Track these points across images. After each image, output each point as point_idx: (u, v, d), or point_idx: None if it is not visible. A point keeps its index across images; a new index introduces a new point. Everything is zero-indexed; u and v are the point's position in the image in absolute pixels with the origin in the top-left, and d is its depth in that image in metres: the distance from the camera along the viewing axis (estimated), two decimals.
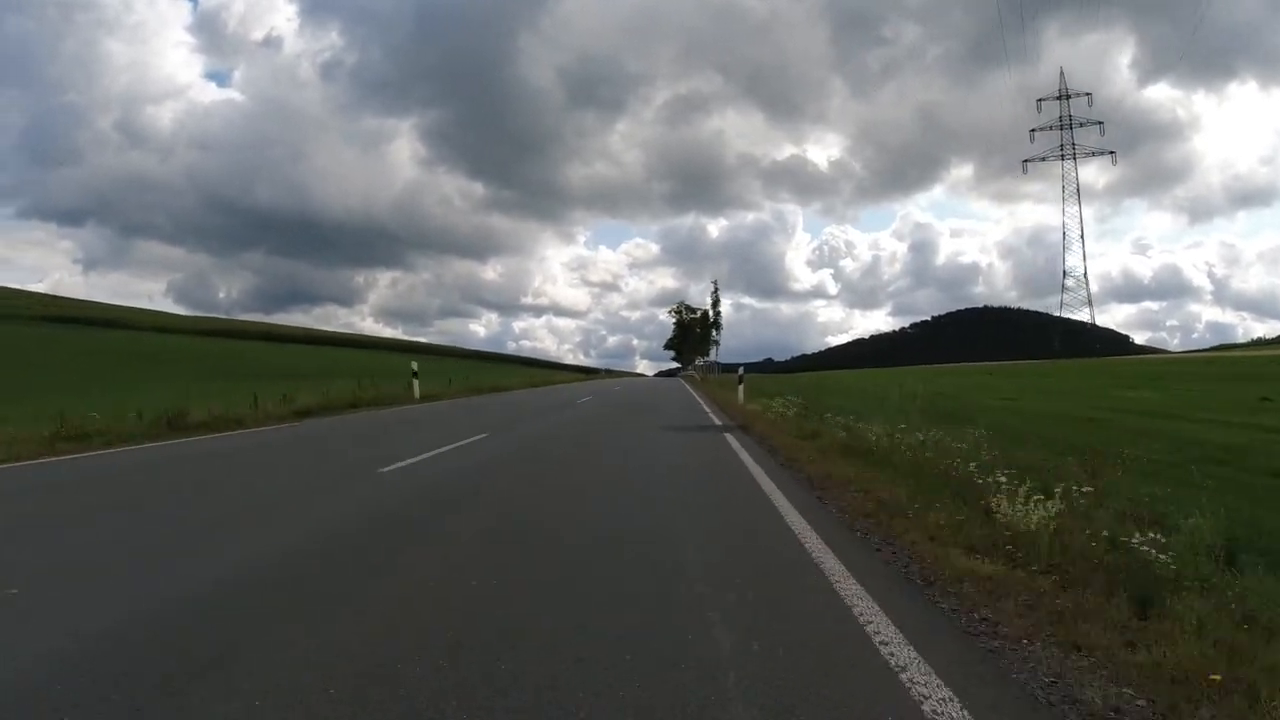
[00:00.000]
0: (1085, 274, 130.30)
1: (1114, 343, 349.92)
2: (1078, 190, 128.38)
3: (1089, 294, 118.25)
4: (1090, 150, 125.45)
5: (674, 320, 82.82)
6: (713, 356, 69.44)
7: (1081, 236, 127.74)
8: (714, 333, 62.64)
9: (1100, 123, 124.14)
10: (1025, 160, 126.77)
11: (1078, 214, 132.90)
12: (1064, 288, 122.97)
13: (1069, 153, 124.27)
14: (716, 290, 64.34)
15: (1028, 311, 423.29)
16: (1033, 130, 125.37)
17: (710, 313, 63.04)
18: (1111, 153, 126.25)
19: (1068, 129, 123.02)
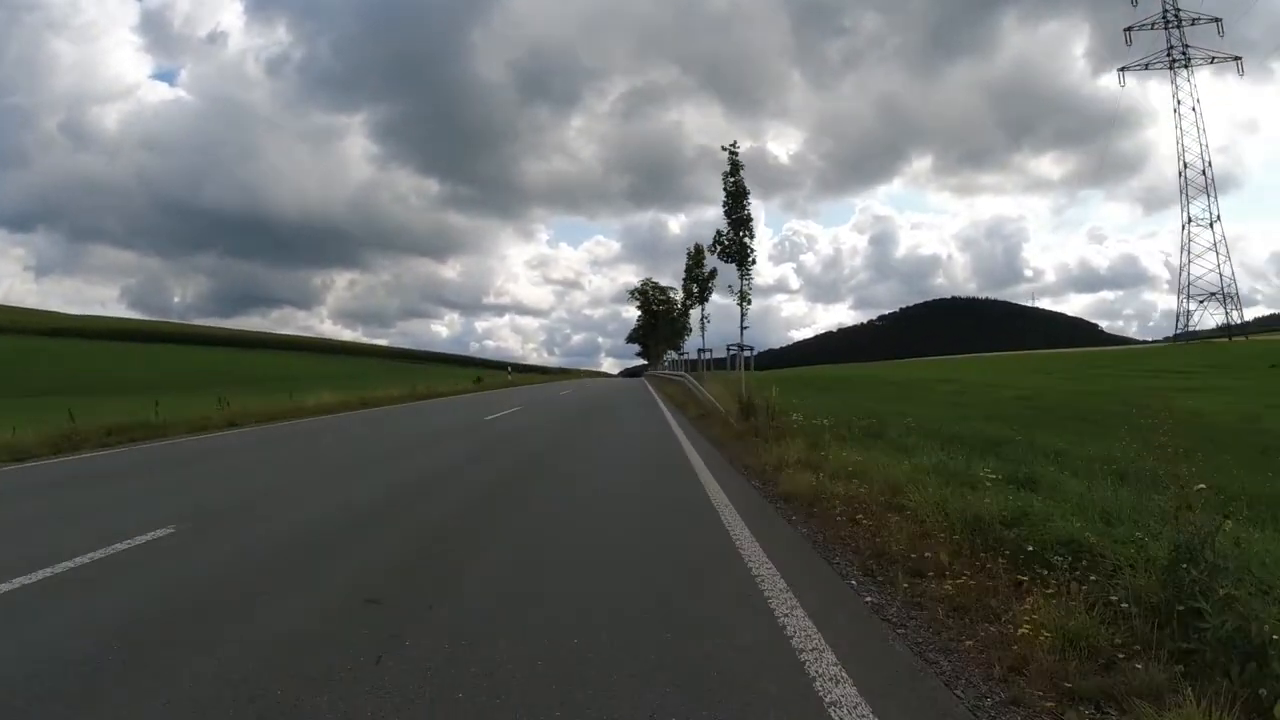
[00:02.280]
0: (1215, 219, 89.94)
1: (1084, 330, 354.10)
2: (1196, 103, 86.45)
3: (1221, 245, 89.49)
4: (1207, 55, 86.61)
5: (638, 305, 71.61)
6: (693, 346, 61.38)
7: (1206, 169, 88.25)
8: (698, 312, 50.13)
9: (1219, 19, 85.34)
10: (1122, 68, 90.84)
11: (1198, 129, 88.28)
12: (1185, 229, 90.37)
13: (1179, 58, 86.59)
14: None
15: (995, 301, 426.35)
16: (1128, 29, 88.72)
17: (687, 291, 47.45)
18: (1237, 58, 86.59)
19: (1174, 26, 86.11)
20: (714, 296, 43.34)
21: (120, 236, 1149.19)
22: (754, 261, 17.56)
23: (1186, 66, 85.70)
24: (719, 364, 58.09)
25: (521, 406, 21.22)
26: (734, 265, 17.67)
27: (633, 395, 29.47)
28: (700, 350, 30.35)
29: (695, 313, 42.93)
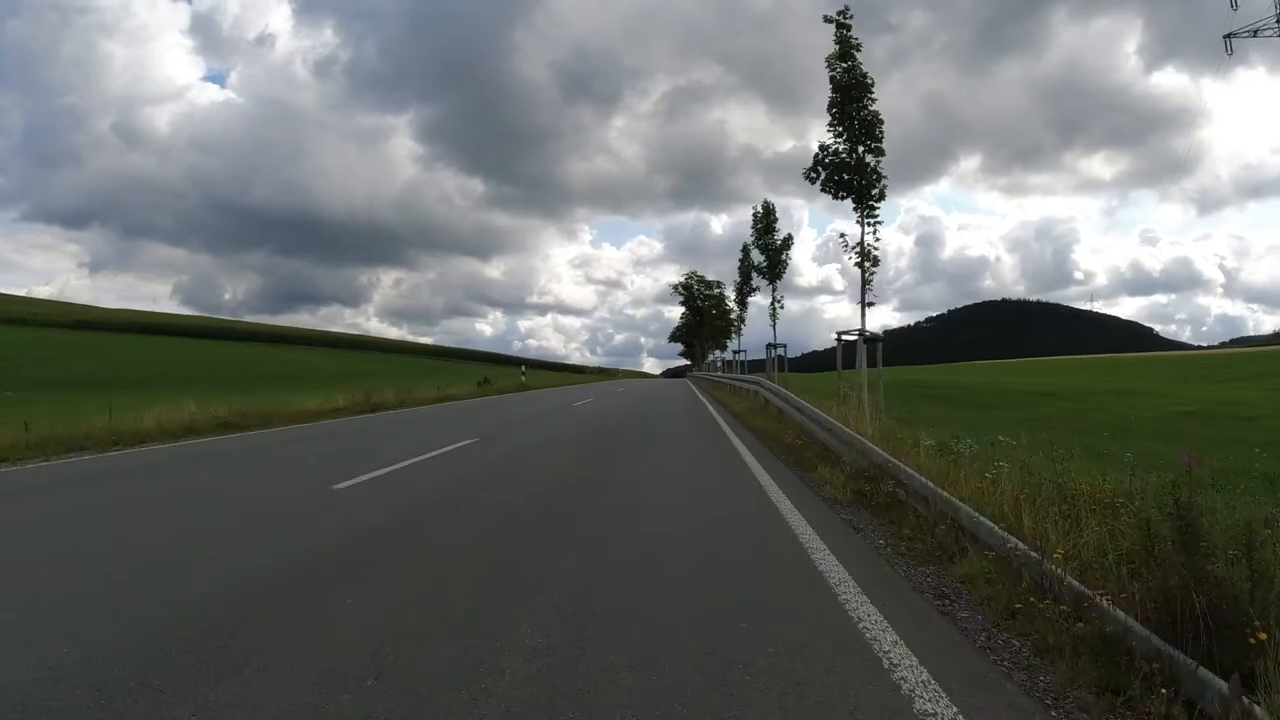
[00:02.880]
0: None
1: (1138, 334, 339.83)
2: None
3: None
4: None
5: (681, 300, 63.43)
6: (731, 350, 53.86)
7: None
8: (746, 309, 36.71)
9: None
10: (1228, 35, 72.29)
11: None
12: None
13: None
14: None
15: (1043, 304, 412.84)
16: (1228, 35, 76.96)
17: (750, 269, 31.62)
18: None
19: None
20: (753, 297, 36.26)
21: (172, 234, 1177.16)
22: (882, 194, 11.88)
23: None
24: (756, 366, 51.27)
25: (477, 438, 12.42)
26: (848, 199, 11.93)
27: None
28: (770, 346, 24.42)
29: (757, 301, 35.82)
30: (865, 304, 11.93)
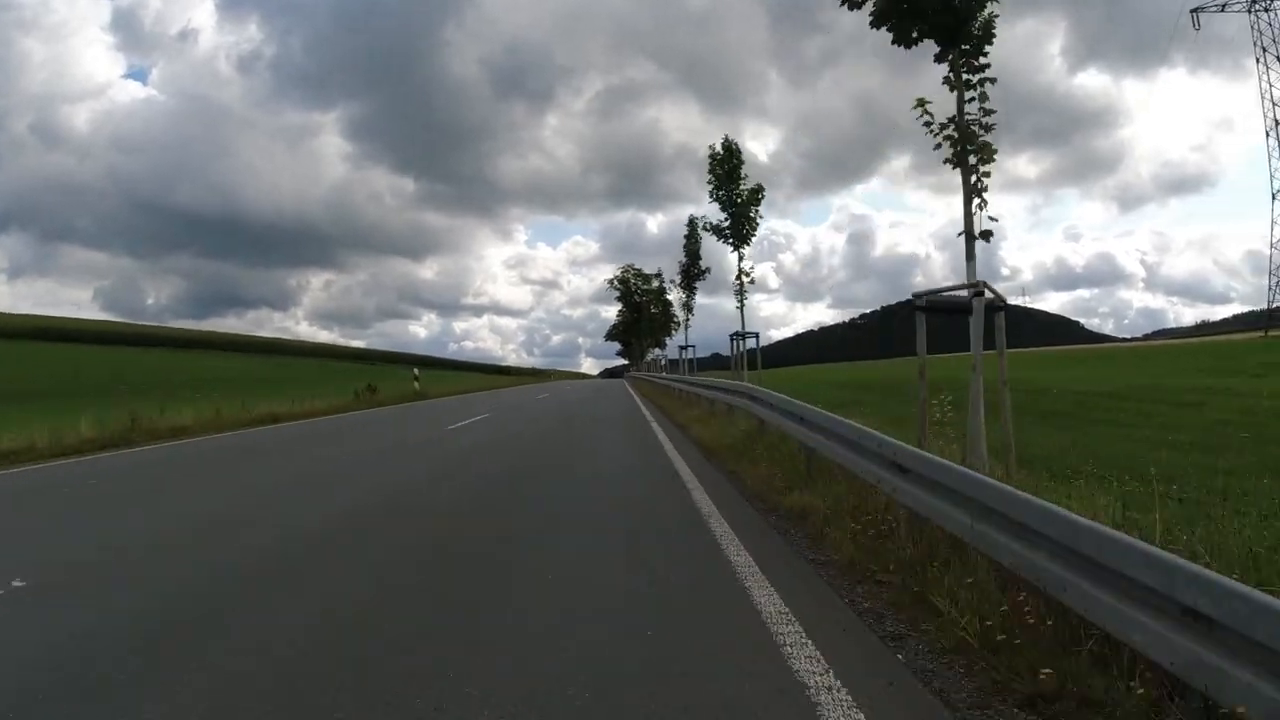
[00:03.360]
0: None
1: (1066, 327, 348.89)
2: None
3: None
4: None
5: (617, 295, 58.39)
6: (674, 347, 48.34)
7: None
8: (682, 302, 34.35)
9: None
10: (1195, 9, 73.20)
11: None
12: None
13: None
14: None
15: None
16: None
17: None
18: None
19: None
20: (702, 281, 31.56)
21: (93, 237, 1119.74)
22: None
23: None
24: (705, 365, 45.56)
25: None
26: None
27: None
28: (737, 336, 18.83)
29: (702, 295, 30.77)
30: (972, 235, 6.42)
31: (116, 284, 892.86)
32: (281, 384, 48.21)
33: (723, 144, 19.28)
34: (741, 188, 18.88)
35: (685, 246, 31.52)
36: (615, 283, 57.67)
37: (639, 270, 56.74)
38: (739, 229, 18.68)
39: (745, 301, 18.68)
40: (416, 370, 36.82)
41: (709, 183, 19.43)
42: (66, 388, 45.54)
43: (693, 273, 31.57)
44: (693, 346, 34.19)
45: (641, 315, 54.35)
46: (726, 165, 18.87)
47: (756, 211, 18.97)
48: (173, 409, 17.07)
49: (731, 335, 20.01)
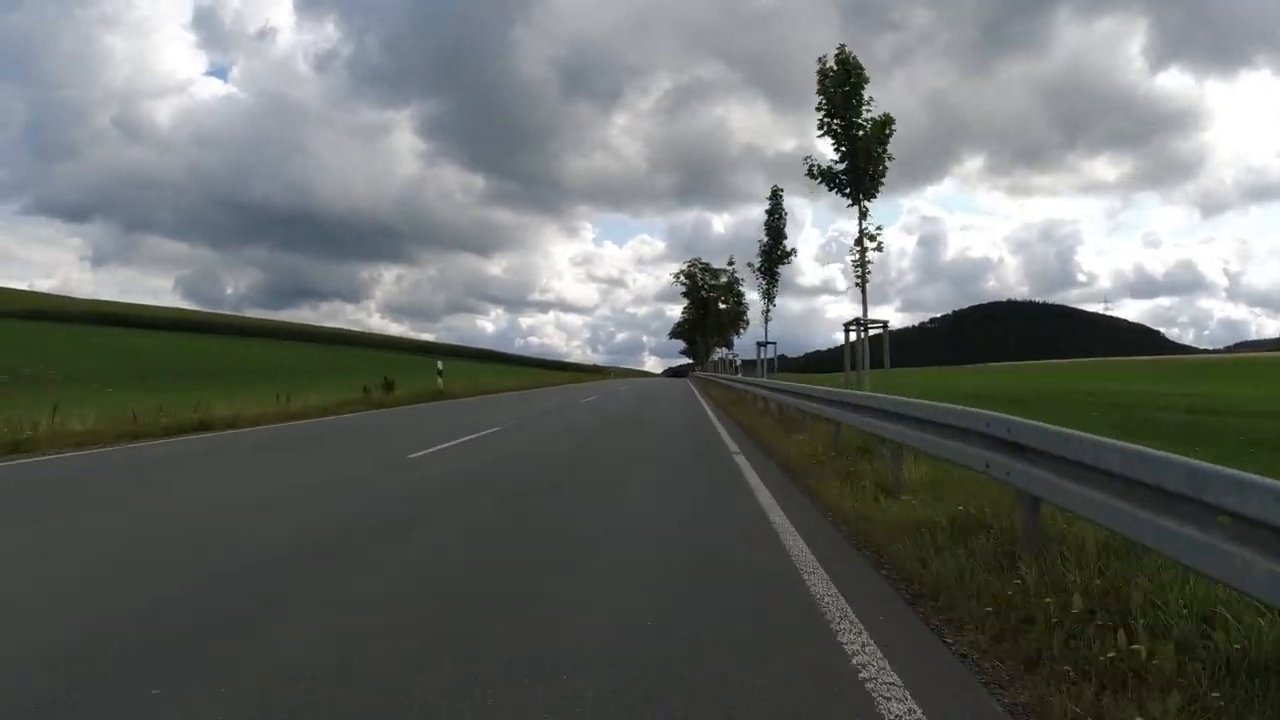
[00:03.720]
0: None
1: (1146, 337, 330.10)
2: None
3: None
4: None
5: (683, 290, 54.00)
6: (748, 345, 43.82)
7: None
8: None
9: None
10: None
11: None
12: None
13: None
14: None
15: (1049, 305, 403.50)
16: None
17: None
18: None
19: None
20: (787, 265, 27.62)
21: (173, 228, 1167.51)
22: None
23: None
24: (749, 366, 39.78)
25: None
26: None
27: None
28: (856, 325, 14.37)
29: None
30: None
31: (196, 274, 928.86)
32: (318, 374, 45.38)
33: (837, 56, 14.42)
34: (865, 116, 14.15)
35: (767, 223, 27.03)
36: (681, 278, 53.89)
37: (706, 265, 52.78)
38: (859, 175, 13.91)
39: (866, 280, 14.15)
40: (440, 364, 30.86)
41: (818, 109, 14.67)
42: None
43: (775, 255, 26.95)
44: (773, 344, 30.68)
45: (708, 312, 50.31)
46: (843, 84, 13.99)
47: (884, 151, 14.04)
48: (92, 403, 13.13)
49: (846, 324, 15.61)
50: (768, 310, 28.59)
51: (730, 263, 46.90)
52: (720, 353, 51.98)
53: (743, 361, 35.21)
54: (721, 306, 46.91)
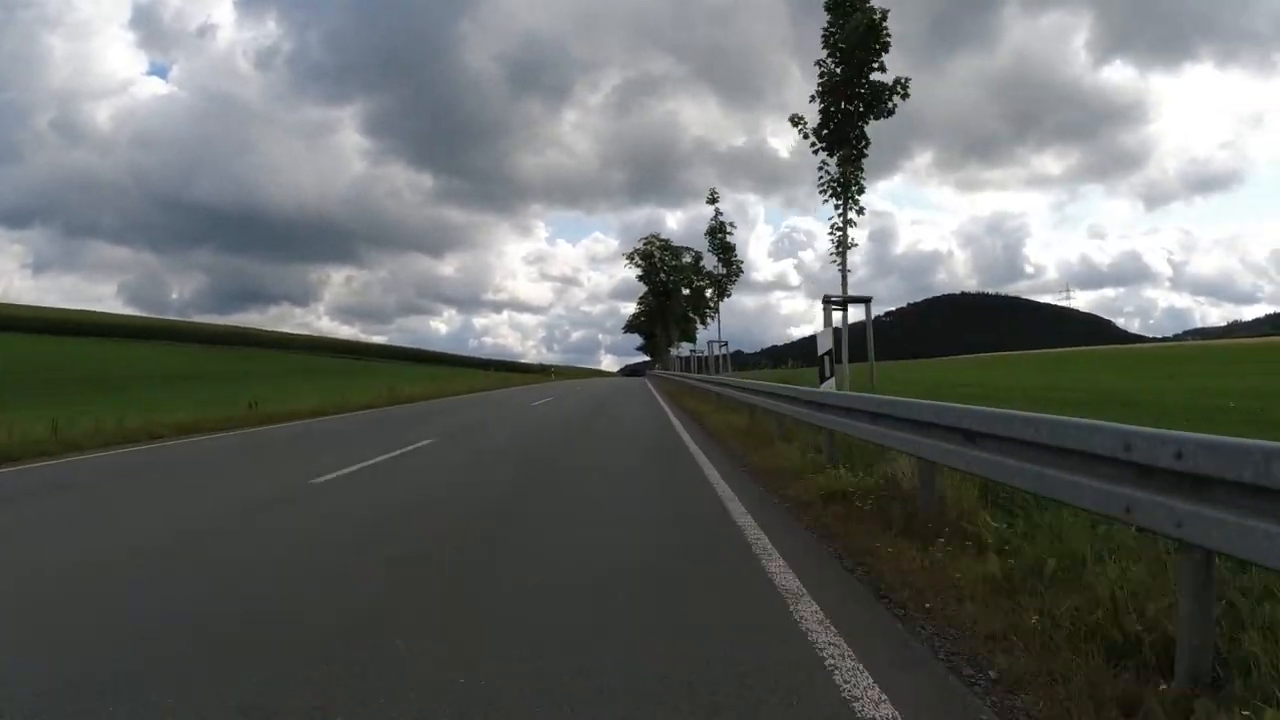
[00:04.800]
0: None
1: (1098, 327, 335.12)
2: None
3: None
4: None
5: (639, 274, 45.78)
6: (702, 342, 40.02)
7: None
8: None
9: None
10: None
11: None
12: None
13: None
14: None
15: (1002, 296, 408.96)
16: None
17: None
18: None
19: None
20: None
21: (116, 232, 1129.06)
22: None
23: None
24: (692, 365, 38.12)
25: None
26: None
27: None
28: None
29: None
30: None
31: (140, 279, 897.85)
32: (207, 381, 40.99)
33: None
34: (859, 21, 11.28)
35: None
36: (636, 259, 45.79)
37: (666, 242, 45.19)
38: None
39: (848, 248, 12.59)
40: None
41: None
42: None
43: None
44: (725, 343, 32.42)
45: (669, 298, 43.26)
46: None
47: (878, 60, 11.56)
48: None
49: (827, 297, 12.26)
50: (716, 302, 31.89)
51: (691, 250, 42.47)
52: (682, 348, 47.45)
53: (713, 357, 31.68)
54: (686, 292, 40.59)
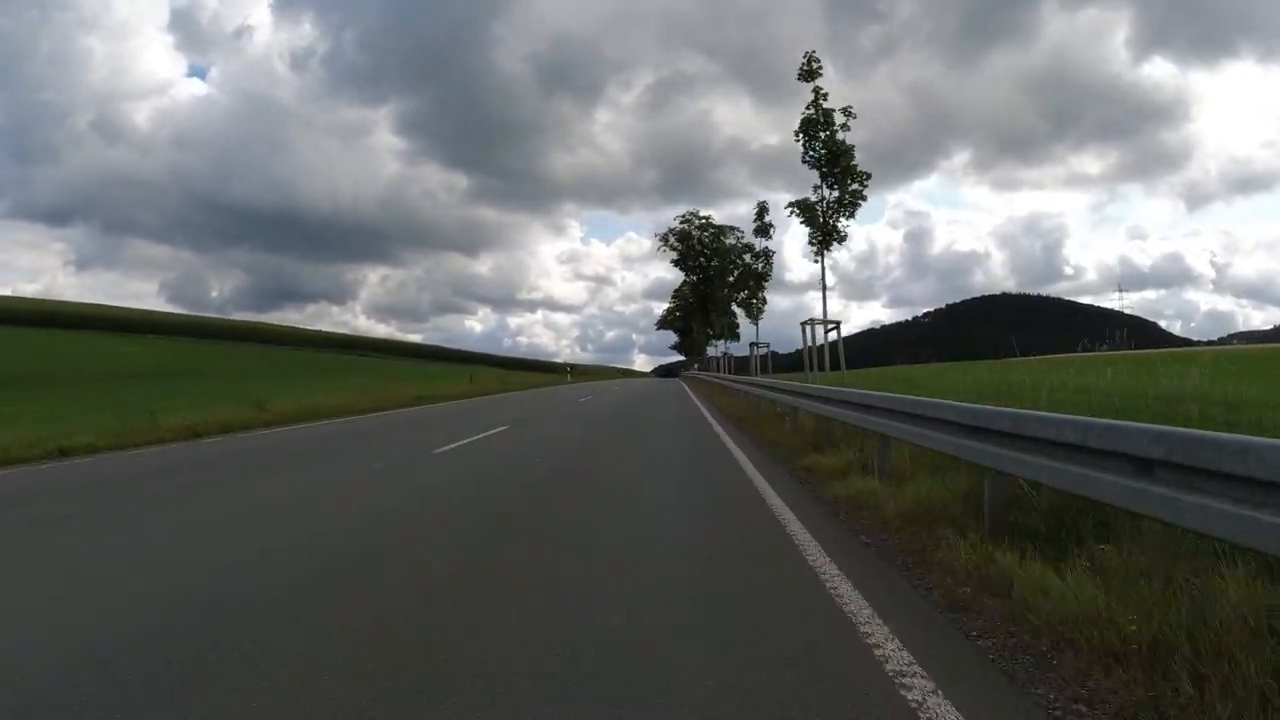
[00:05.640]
0: None
1: (1144, 329, 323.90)
2: None
3: None
4: None
5: (674, 259, 39.78)
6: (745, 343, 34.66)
7: None
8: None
9: None
10: None
11: None
12: None
13: None
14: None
15: (1045, 298, 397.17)
16: None
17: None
18: None
19: None
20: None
21: (156, 231, 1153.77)
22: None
23: None
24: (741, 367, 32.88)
25: None
26: None
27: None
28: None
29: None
30: None
31: (181, 277, 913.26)
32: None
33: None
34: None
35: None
36: (671, 240, 39.90)
37: (707, 219, 38.71)
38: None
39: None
40: None
41: None
42: None
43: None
44: (765, 345, 32.00)
45: (711, 284, 36.31)
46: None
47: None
48: None
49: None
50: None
51: (735, 230, 36.98)
52: (717, 347, 41.57)
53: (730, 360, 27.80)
54: (735, 273, 33.39)
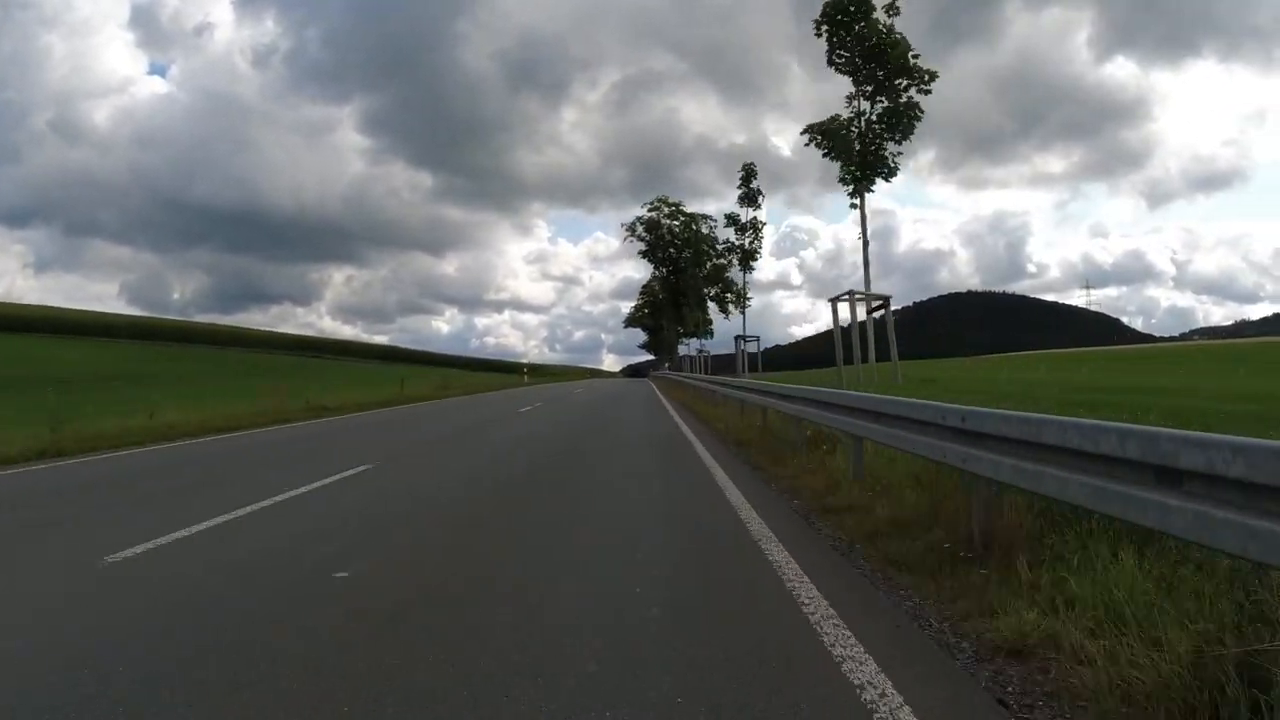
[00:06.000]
0: None
1: (1107, 325, 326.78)
2: None
3: None
4: None
5: (642, 249, 37.05)
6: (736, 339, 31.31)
7: None
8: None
9: None
10: None
11: None
12: None
13: None
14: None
15: (1011, 295, 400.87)
16: None
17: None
18: None
19: None
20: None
21: (117, 232, 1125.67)
22: None
23: None
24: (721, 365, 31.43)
25: None
26: None
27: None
28: None
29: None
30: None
31: (142, 279, 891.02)
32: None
33: None
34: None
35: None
36: (639, 226, 36.68)
37: (677, 205, 35.92)
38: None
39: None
40: None
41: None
42: None
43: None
44: (755, 339, 30.10)
45: (681, 276, 33.76)
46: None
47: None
48: None
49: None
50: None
51: (707, 219, 34.40)
52: (690, 345, 39.03)
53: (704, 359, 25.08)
54: (709, 263, 31.81)
